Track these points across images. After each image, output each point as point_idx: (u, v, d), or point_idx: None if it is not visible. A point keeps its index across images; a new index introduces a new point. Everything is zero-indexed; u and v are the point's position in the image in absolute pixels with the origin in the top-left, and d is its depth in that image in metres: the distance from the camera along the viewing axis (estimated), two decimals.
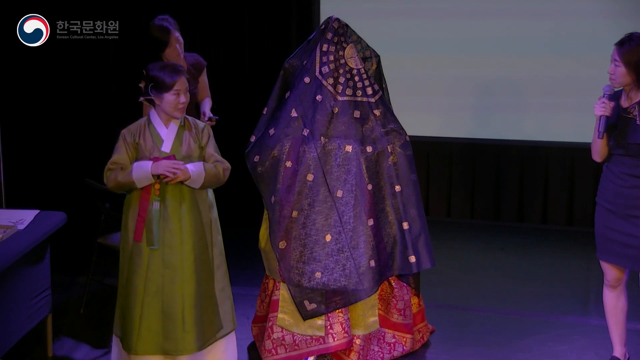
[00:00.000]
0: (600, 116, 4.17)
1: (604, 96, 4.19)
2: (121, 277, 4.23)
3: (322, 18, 7.13)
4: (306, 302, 4.45)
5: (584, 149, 6.54)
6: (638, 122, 4.14)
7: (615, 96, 4.24)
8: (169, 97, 4.06)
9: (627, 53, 4.11)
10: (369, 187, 4.52)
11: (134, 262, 4.12)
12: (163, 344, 4.15)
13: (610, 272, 4.40)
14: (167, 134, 4.13)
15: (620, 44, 4.15)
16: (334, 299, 4.45)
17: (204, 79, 5.62)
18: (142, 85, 4.11)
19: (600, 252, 4.41)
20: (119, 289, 4.26)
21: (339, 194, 4.46)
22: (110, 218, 5.40)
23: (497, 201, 7.08)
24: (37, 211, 4.67)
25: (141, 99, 4.13)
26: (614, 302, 4.44)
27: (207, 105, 5.53)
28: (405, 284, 4.68)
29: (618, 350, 4.49)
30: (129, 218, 4.15)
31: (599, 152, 4.29)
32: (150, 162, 4.03)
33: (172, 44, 5.39)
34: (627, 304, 4.45)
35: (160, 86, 4.05)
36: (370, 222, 4.49)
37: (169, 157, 4.09)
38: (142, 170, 4.02)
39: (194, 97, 5.53)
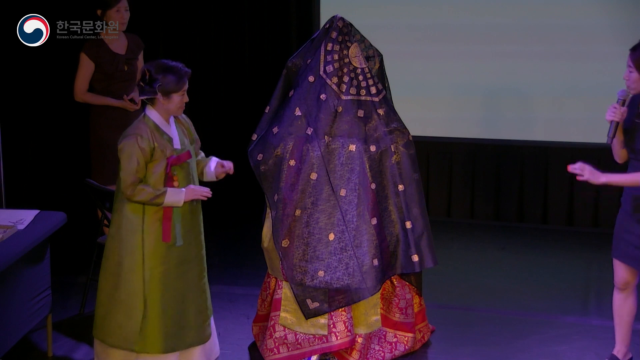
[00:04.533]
0: (611, 121, 4.16)
1: (617, 101, 4.17)
2: (134, 282, 4.18)
3: (322, 18, 7.13)
4: (309, 301, 4.45)
5: (584, 149, 6.57)
6: None
7: (636, 101, 4.23)
8: (176, 97, 4.14)
9: (639, 59, 4.09)
10: (372, 186, 4.52)
11: (152, 263, 4.14)
12: (185, 338, 4.23)
13: (619, 272, 4.39)
14: (172, 131, 4.21)
15: (634, 50, 4.12)
16: (337, 297, 4.45)
17: (142, 61, 5.82)
18: (143, 84, 4.12)
19: (614, 250, 4.42)
20: (124, 295, 4.18)
21: (343, 192, 4.46)
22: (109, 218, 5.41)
23: (497, 201, 7.08)
24: (37, 211, 4.67)
25: (142, 97, 4.14)
26: (620, 303, 4.44)
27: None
28: (407, 283, 4.68)
29: (617, 348, 4.50)
30: (145, 222, 4.16)
31: (616, 154, 4.32)
32: (184, 191, 4.15)
33: (119, 7, 5.62)
34: (636, 307, 4.44)
35: (170, 87, 4.11)
36: (374, 221, 4.50)
37: (184, 153, 4.20)
38: (176, 200, 4.13)
39: (133, 74, 5.74)
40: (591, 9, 6.68)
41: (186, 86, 4.16)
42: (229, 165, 4.40)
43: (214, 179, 4.42)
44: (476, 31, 6.89)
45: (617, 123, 4.16)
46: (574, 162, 6.82)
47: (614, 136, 4.18)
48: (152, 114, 4.16)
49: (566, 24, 6.73)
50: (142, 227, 4.15)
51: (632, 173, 4.15)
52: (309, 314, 4.46)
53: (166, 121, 4.19)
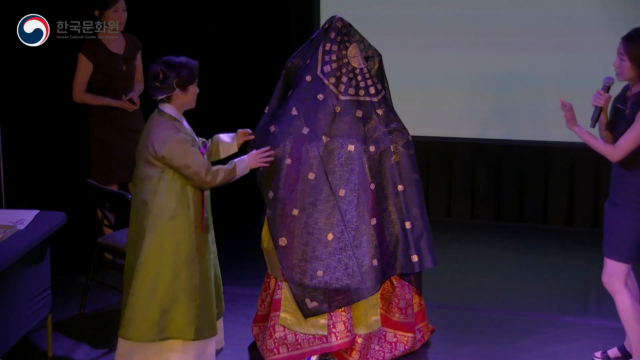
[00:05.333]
0: (595, 106, 4.30)
1: (602, 87, 4.29)
2: (186, 279, 4.21)
3: (322, 18, 7.13)
4: (307, 301, 4.45)
5: (584, 149, 6.55)
6: (626, 114, 4.22)
7: (624, 88, 4.36)
8: (193, 89, 4.23)
9: (633, 49, 4.17)
10: (372, 186, 4.52)
11: (199, 256, 4.23)
12: (218, 312, 4.47)
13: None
14: (188, 125, 4.29)
15: (628, 39, 4.19)
16: (336, 297, 4.45)
17: (139, 60, 5.85)
18: (158, 84, 4.12)
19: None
20: (185, 292, 4.21)
21: (342, 193, 4.46)
22: (109, 218, 5.40)
23: (497, 201, 7.08)
24: (37, 211, 4.67)
25: (161, 97, 4.14)
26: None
27: (137, 88, 5.83)
28: (407, 283, 4.68)
29: (627, 341, 4.56)
30: (193, 217, 4.20)
31: (601, 135, 4.41)
32: (247, 159, 4.33)
33: (117, 8, 5.67)
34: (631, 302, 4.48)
35: (187, 80, 4.18)
36: (373, 221, 4.50)
37: (203, 145, 4.31)
38: (243, 168, 4.31)
39: (131, 74, 5.79)
40: (590, 3, 6.68)
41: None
42: (244, 130, 4.54)
43: (236, 150, 4.52)
44: (478, 29, 6.89)
45: (601, 108, 4.31)
46: (573, 162, 6.91)
47: (597, 121, 4.33)
48: (170, 109, 4.19)
49: (564, 24, 6.73)
50: (189, 223, 4.20)
51: (597, 139, 4.30)
52: (307, 314, 4.46)
53: (182, 116, 4.25)
